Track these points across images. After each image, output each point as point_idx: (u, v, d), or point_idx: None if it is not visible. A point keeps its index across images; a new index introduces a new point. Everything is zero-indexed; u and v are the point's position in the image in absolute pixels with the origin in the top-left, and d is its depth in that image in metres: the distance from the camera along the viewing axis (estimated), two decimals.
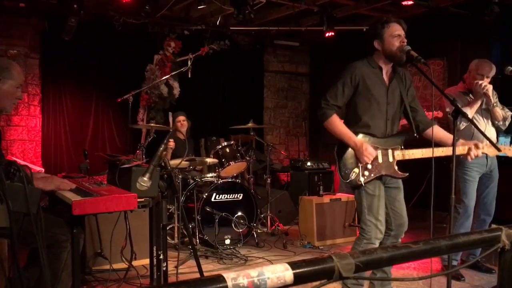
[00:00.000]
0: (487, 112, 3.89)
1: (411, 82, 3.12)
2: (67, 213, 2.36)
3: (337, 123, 2.93)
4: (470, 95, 3.87)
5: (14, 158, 5.08)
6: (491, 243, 1.22)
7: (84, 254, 3.74)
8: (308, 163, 6.61)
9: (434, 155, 2.85)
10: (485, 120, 3.93)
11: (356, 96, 2.96)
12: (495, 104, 3.87)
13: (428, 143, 2.91)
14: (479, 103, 3.78)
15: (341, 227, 5.11)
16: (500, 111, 3.88)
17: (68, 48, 6.29)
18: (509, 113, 3.94)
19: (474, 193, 3.95)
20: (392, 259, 1.06)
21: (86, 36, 6.33)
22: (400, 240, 3.11)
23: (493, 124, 3.93)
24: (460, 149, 2.89)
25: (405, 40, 2.89)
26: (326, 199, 5.07)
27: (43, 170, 5.14)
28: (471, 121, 2.84)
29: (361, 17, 6.80)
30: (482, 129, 3.71)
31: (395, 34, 2.88)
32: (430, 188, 2.64)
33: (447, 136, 3.00)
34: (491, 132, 3.92)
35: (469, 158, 2.91)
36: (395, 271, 4.03)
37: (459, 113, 2.67)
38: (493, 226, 1.26)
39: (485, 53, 5.93)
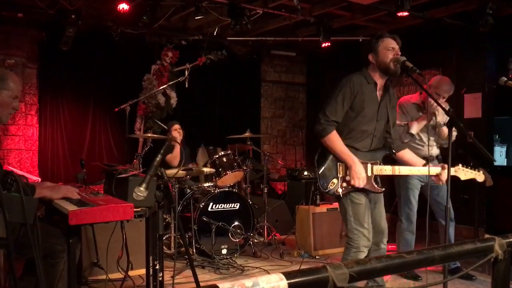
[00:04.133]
0: (434, 129, 3.98)
1: (396, 102, 3.20)
2: (64, 223, 2.36)
3: (336, 141, 2.92)
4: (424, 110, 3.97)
5: (11, 168, 5.07)
6: (484, 253, 1.23)
7: (80, 264, 3.73)
8: (305, 173, 6.61)
9: (406, 173, 3.09)
10: (430, 137, 4.06)
11: (350, 110, 2.98)
12: (442, 124, 3.99)
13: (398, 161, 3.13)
14: (425, 121, 3.88)
15: (338, 237, 5.11)
16: (446, 130, 3.95)
17: (66, 58, 6.30)
18: (454, 133, 4.00)
19: (416, 200, 4.09)
20: (386, 269, 1.07)
21: (83, 47, 6.35)
22: (383, 247, 3.16)
23: (437, 142, 4.05)
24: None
25: (399, 53, 2.93)
26: (323, 208, 5.07)
27: (39, 179, 5.13)
28: (464, 130, 2.88)
29: (357, 28, 6.86)
30: (426, 146, 3.87)
31: (389, 47, 2.93)
32: None
33: (415, 159, 3.12)
34: (433, 150, 4.06)
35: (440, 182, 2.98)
36: (392, 280, 4.03)
37: (453, 124, 2.70)
38: (487, 236, 1.27)
39: (480, 63, 5.99)
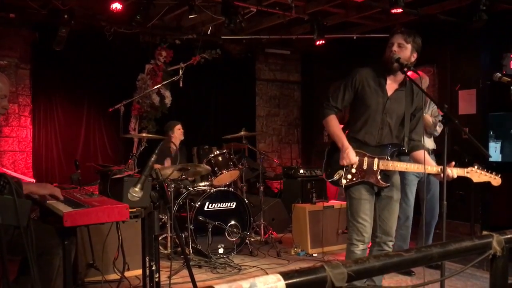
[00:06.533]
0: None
1: (424, 105, 3.15)
2: (59, 225, 2.34)
3: (331, 123, 3.08)
4: None
5: (5, 170, 5.03)
6: (482, 249, 1.23)
7: (76, 266, 3.69)
8: (301, 171, 6.61)
9: (409, 170, 2.99)
10: None
11: (355, 101, 3.06)
12: (425, 112, 4.03)
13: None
14: None
15: (334, 234, 5.11)
16: (430, 118, 4.08)
17: (59, 58, 6.26)
18: (439, 117, 4.06)
19: (413, 195, 4.16)
20: (384, 268, 1.06)
21: (77, 46, 6.32)
22: (387, 250, 3.14)
23: (427, 132, 4.03)
24: (434, 169, 2.92)
25: (396, 50, 2.91)
26: (319, 206, 5.07)
27: (34, 181, 5.10)
28: (459, 126, 2.86)
29: (351, 25, 6.85)
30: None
31: (389, 44, 2.97)
32: None
33: (429, 161, 3.06)
34: (427, 142, 4.05)
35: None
36: (389, 278, 4.03)
37: (449, 119, 2.70)
38: (485, 232, 1.26)
39: (474, 60, 6.00)
